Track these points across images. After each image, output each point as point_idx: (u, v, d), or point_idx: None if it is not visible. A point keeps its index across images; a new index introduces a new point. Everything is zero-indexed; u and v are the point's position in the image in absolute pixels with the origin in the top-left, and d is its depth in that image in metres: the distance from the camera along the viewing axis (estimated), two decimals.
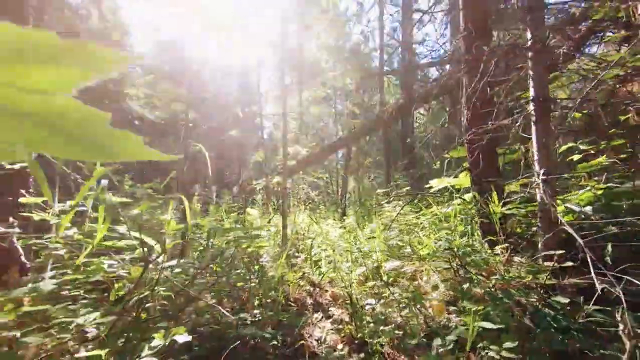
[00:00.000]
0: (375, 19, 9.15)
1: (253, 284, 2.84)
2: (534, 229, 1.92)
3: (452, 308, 1.98)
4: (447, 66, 8.83)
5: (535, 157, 1.77)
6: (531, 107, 1.78)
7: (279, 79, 6.09)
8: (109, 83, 3.65)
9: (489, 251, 1.90)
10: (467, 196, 2.84)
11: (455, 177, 3.26)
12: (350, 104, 6.91)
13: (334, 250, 4.49)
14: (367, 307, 2.06)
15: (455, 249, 1.71)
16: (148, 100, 4.07)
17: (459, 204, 2.32)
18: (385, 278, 2.52)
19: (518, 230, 2.05)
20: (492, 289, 1.52)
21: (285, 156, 5.62)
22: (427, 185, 3.39)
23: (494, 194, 2.02)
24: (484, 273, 2.00)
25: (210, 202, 7.30)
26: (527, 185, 2.00)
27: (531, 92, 1.82)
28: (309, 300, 3.06)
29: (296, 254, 4.78)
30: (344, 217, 6.83)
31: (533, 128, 1.79)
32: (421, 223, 2.95)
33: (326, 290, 3.27)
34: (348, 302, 2.38)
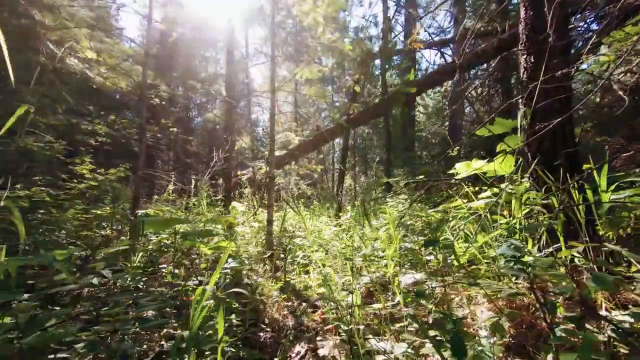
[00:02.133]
0: None
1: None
2: None
3: None
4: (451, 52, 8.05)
5: None
6: None
7: (269, 50, 5.25)
8: (38, 28, 2.78)
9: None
10: (515, 185, 2.04)
11: (489, 161, 2.47)
12: (351, 81, 6.09)
13: (327, 252, 3.69)
14: (377, 355, 1.25)
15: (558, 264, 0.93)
16: (97, 62, 3.21)
17: (529, 193, 1.51)
18: (400, 298, 1.71)
19: (621, 232, 1.26)
20: None
21: (272, 139, 4.79)
22: (451, 172, 2.58)
23: (602, 175, 1.21)
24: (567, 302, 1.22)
25: (188, 194, 6.44)
26: None
27: None
28: (291, 322, 2.24)
29: (282, 255, 3.98)
30: (340, 214, 6.04)
31: None
32: (448, 220, 2.16)
33: (315, 308, 2.45)
34: (344, 334, 1.57)
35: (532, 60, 1.68)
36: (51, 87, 3.37)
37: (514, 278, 1.34)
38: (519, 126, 1.86)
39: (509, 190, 1.64)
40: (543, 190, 1.55)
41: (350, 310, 1.55)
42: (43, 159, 3.77)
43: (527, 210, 1.44)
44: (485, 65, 8.22)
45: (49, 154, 3.84)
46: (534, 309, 1.44)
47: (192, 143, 10.09)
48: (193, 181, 5.66)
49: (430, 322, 1.54)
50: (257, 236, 4.56)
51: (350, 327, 1.35)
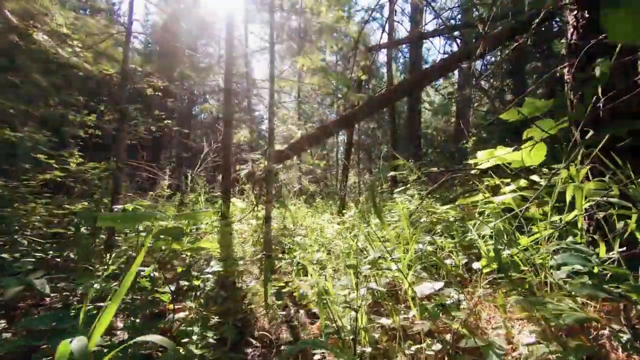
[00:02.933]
0: None
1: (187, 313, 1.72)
2: None
3: None
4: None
5: None
6: None
7: (268, 36, 4.92)
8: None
9: None
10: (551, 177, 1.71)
11: (516, 149, 2.14)
12: (356, 69, 5.76)
13: (329, 252, 3.38)
14: None
15: None
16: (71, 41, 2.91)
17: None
18: (416, 312, 1.39)
19: None
20: None
21: (271, 131, 4.47)
22: (470, 161, 2.26)
23: None
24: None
25: (183, 189, 6.16)
26: None
27: None
28: (285, 335, 1.93)
29: (280, 255, 3.68)
30: (343, 211, 5.72)
31: None
32: (475, 216, 1.85)
33: (313, 317, 2.14)
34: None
35: (587, 15, 1.33)
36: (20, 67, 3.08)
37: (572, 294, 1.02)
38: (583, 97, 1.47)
39: (550, 181, 1.31)
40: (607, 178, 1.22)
41: (355, 332, 1.23)
42: (24, 151, 3.50)
43: (590, 203, 1.11)
44: (493, 59, 7.88)
45: (29, 145, 3.56)
46: (595, 333, 1.11)
47: (190, 137, 9.77)
48: (188, 176, 5.38)
49: (454, 340, 1.22)
50: (254, 234, 4.26)
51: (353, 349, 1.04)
